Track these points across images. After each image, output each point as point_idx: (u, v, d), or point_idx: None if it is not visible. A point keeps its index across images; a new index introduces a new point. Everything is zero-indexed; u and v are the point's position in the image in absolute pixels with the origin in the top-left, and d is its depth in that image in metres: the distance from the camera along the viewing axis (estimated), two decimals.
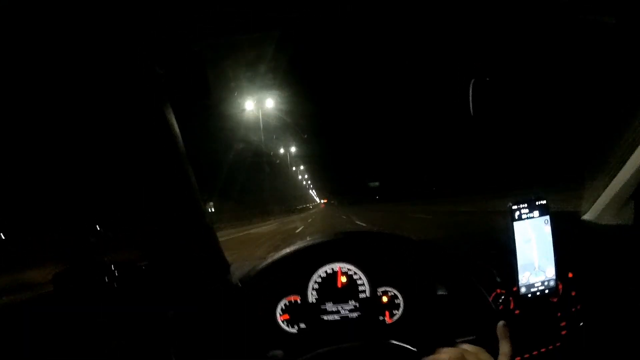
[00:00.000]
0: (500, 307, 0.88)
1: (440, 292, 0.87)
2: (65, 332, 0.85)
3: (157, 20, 0.76)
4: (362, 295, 0.88)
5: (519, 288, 0.86)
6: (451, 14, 0.89)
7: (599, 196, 1.07)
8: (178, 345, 0.80)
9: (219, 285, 0.92)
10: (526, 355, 0.89)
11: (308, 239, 0.87)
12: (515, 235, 0.85)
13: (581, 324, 0.93)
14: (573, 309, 0.93)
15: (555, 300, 0.92)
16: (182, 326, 0.81)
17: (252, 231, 14.98)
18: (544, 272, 0.88)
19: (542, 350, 0.90)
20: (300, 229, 13.47)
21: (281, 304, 0.88)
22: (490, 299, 0.83)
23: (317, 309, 0.88)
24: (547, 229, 0.87)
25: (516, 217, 0.86)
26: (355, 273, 0.89)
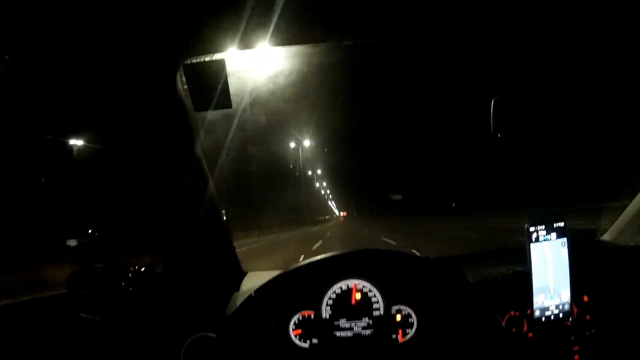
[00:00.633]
0: (513, 329, 0.87)
1: (453, 313, 0.87)
2: (75, 335, 0.87)
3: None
4: (376, 313, 0.88)
5: (533, 311, 0.85)
6: (474, 35, 0.88)
7: (617, 216, 1.05)
8: None
9: (233, 293, 0.94)
10: None
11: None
12: (532, 257, 0.84)
13: (594, 348, 0.92)
14: (587, 333, 0.92)
15: (568, 323, 0.91)
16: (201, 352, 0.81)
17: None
18: (559, 295, 0.87)
19: None
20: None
21: (294, 319, 0.88)
22: (504, 322, 0.82)
23: (330, 324, 0.87)
24: (564, 252, 0.86)
25: (533, 239, 0.85)
26: (370, 290, 0.88)
